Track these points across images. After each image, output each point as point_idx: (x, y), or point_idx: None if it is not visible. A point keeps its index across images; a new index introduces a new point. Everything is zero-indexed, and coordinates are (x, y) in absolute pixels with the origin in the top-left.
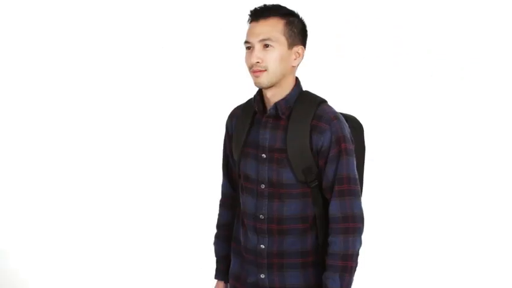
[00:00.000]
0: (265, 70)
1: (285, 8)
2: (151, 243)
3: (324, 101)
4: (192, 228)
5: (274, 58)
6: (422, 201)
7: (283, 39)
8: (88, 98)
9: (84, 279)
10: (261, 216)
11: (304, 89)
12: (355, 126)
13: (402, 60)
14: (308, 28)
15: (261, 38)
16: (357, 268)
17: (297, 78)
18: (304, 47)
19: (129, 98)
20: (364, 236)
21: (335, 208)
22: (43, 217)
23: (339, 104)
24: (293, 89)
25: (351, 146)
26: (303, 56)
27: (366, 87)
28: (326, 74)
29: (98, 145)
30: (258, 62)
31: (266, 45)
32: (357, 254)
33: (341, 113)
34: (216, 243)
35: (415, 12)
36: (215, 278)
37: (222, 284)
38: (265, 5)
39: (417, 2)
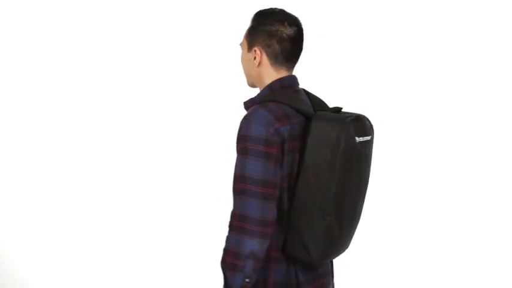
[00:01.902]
0: None
1: (261, 13)
2: (151, 243)
3: (267, 101)
4: (193, 228)
5: (242, 60)
6: (419, 201)
7: (245, 43)
8: (89, 98)
9: (84, 278)
10: None
11: (301, 88)
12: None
13: (402, 60)
14: (308, 28)
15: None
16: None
17: (278, 80)
18: (263, 48)
19: (130, 98)
20: (370, 236)
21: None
22: (43, 217)
23: (338, 103)
24: (263, 90)
25: (250, 146)
26: (260, 56)
27: (366, 88)
28: (326, 74)
29: (98, 145)
30: None
31: None
32: (233, 252)
33: (346, 113)
34: None
35: (415, 12)
36: None
37: None
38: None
39: (417, 2)
